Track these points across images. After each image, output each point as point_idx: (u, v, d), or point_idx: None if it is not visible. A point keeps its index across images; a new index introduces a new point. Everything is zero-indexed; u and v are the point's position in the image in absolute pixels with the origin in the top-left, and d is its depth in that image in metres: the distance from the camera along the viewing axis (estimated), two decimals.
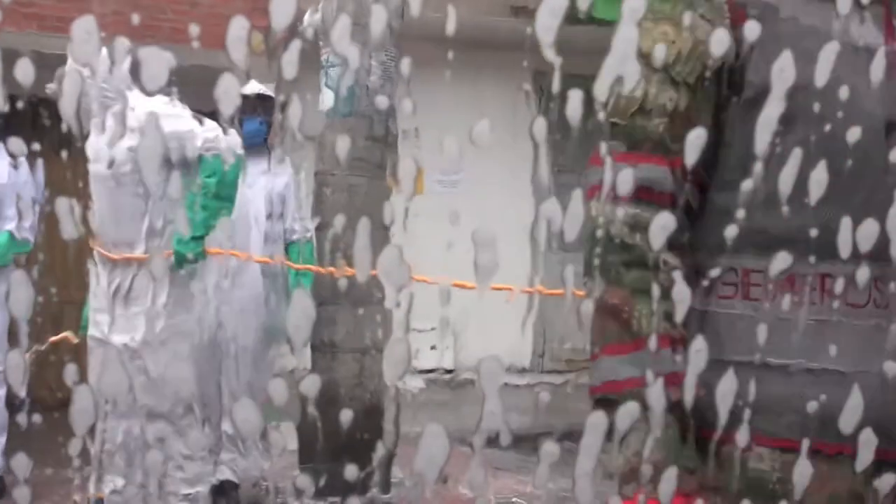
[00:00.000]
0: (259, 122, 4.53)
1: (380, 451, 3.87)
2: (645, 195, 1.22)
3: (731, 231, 1.14)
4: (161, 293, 3.88)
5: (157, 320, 3.86)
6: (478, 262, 0.62)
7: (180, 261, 3.83)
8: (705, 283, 1.26)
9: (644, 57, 1.20)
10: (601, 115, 1.28)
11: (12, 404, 4.54)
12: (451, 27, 0.73)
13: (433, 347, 7.52)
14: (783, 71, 0.72)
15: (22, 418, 0.74)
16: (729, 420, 1.07)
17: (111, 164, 3.83)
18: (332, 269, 4.21)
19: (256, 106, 4.46)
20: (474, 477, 0.64)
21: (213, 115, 4.84)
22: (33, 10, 6.34)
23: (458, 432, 0.80)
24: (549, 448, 0.61)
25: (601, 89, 0.68)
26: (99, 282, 3.94)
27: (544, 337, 8.33)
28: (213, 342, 4.45)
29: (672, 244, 1.20)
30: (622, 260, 1.24)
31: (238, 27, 0.47)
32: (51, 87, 3.58)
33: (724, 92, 1.26)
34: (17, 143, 0.72)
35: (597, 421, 0.58)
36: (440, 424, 0.63)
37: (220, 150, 3.84)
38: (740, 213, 0.96)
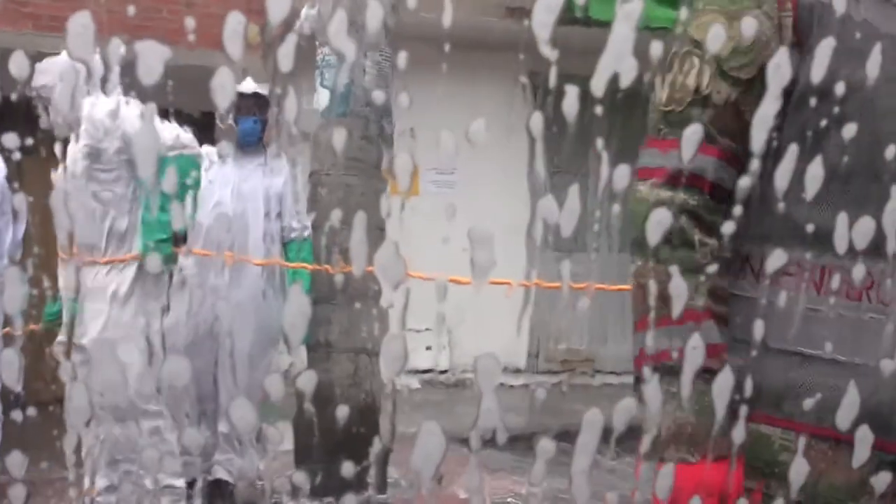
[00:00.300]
0: (254, 120, 4.53)
1: (375, 450, 3.88)
2: (690, 181, 1.30)
3: (777, 222, 1.20)
4: (118, 292, 3.92)
5: (114, 320, 3.89)
6: (474, 260, 0.62)
7: (165, 261, 3.88)
8: (753, 270, 1.32)
9: (693, 46, 1.31)
10: (656, 102, 1.36)
11: (6, 400, 4.54)
12: (446, 27, 0.73)
13: (428, 348, 7.53)
14: (843, 70, 0.74)
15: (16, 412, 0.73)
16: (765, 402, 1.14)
17: (82, 165, 3.87)
18: (328, 266, 4.21)
19: (251, 104, 4.46)
20: (470, 476, 0.64)
21: (208, 114, 4.85)
22: (29, 9, 6.33)
23: (454, 432, 0.80)
24: (546, 445, 0.61)
25: (598, 86, 0.69)
26: (67, 285, 3.99)
27: (539, 337, 8.33)
28: (209, 340, 4.46)
29: (714, 229, 1.29)
30: (662, 239, 1.29)
31: (235, 23, 0.47)
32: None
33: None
34: (13, 139, 0.72)
35: (593, 419, 0.58)
36: (436, 422, 0.63)
37: (187, 149, 3.84)
38: (790, 207, 1.01)
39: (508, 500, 4.82)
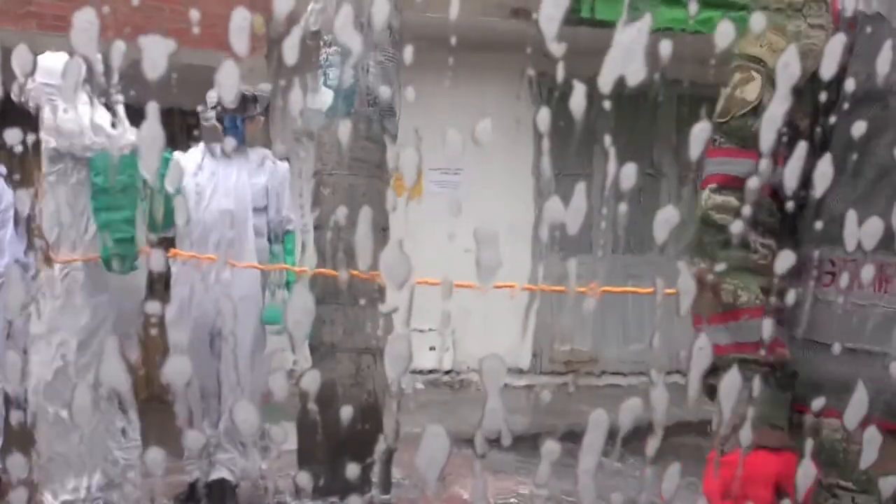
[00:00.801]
0: (240, 118, 4.61)
1: (379, 450, 3.87)
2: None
3: (826, 224, 1.27)
4: (53, 291, 3.91)
5: (44, 316, 3.88)
6: (480, 259, 0.62)
7: (108, 264, 3.86)
8: (804, 270, 1.40)
9: (753, 61, 1.41)
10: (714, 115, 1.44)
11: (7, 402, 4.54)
12: (450, 28, 0.73)
13: (432, 348, 7.52)
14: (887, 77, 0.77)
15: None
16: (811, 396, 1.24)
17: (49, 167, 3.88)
18: (324, 270, 4.21)
19: (243, 104, 4.54)
20: (475, 475, 0.64)
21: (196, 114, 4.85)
22: (32, 8, 6.33)
23: (457, 433, 0.79)
24: (551, 446, 0.60)
25: (604, 89, 0.69)
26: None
27: (542, 338, 8.32)
28: (208, 336, 4.47)
29: (768, 229, 1.40)
30: (719, 241, 1.41)
31: (240, 18, 0.47)
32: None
33: (826, 96, 1.33)
34: (14, 135, 0.72)
35: (599, 419, 0.58)
36: (440, 425, 0.63)
37: (108, 147, 3.79)
38: (835, 208, 1.11)
39: (511, 500, 4.81)
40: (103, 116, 3.82)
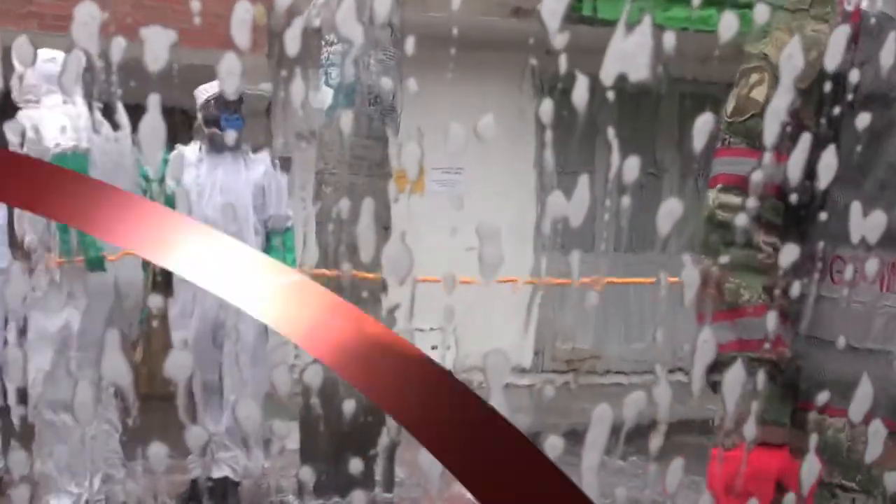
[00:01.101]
0: (235, 118, 4.62)
1: (381, 448, 3.87)
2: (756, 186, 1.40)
3: (835, 222, 1.28)
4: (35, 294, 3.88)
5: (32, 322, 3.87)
6: (482, 256, 0.62)
7: (92, 265, 3.86)
8: (810, 267, 1.42)
9: (762, 62, 1.43)
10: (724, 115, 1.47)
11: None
12: (451, 27, 0.73)
13: (434, 347, 7.51)
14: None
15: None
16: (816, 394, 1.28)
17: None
18: (337, 272, 4.22)
19: (235, 101, 4.55)
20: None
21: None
22: (33, 8, 6.34)
23: None
24: (553, 441, 0.60)
25: (607, 76, 0.69)
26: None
27: (545, 336, 8.32)
28: (212, 332, 4.48)
29: (779, 230, 1.42)
30: (724, 240, 1.44)
31: (242, 11, 0.47)
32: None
33: (836, 95, 1.35)
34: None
35: (603, 414, 0.58)
36: None
37: (66, 148, 3.77)
38: (843, 206, 1.12)
39: None
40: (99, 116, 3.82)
